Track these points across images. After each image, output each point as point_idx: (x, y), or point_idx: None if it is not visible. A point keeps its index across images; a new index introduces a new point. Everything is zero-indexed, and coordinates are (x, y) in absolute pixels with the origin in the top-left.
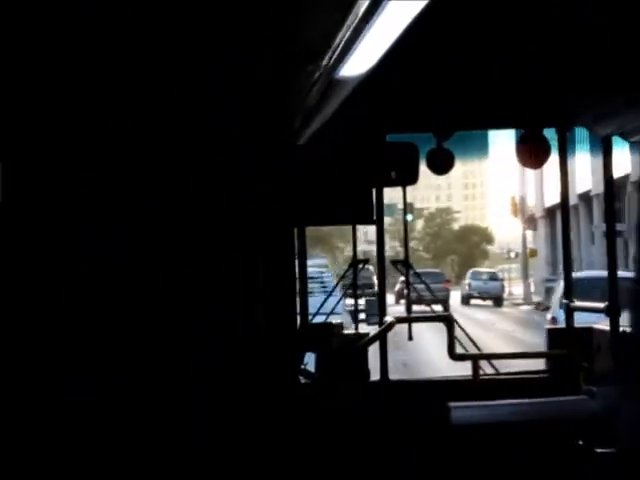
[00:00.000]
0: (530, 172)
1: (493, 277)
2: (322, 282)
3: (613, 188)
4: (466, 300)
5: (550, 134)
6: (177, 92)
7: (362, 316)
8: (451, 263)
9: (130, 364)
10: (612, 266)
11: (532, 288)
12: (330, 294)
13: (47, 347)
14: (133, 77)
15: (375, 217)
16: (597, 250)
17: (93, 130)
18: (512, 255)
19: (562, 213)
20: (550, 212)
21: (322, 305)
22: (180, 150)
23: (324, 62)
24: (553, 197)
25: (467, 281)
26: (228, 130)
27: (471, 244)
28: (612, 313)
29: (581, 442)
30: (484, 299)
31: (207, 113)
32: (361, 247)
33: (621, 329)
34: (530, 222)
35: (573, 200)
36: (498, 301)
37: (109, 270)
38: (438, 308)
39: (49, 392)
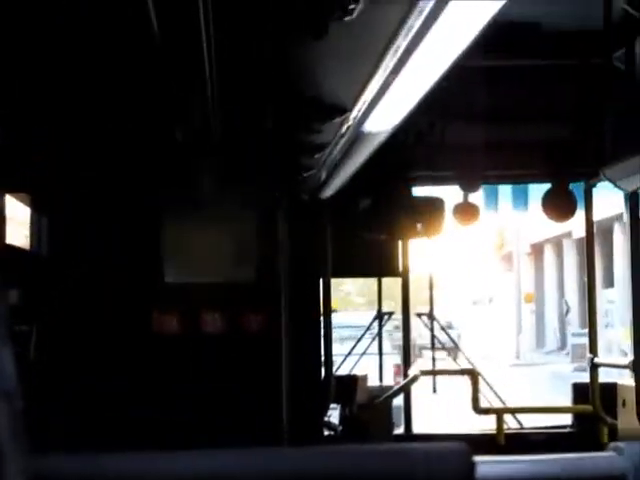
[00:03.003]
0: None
1: (448, 325)
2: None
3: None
4: (419, 351)
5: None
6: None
7: None
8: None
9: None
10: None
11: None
12: (356, 344)
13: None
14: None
15: (401, 269)
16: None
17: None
18: (486, 301)
19: (588, 269)
20: (537, 249)
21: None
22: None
23: (352, 115)
24: (539, 231)
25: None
26: (253, 179)
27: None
28: (637, 369)
29: None
30: (436, 350)
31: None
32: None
33: None
34: (506, 261)
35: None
36: (453, 352)
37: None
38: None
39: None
